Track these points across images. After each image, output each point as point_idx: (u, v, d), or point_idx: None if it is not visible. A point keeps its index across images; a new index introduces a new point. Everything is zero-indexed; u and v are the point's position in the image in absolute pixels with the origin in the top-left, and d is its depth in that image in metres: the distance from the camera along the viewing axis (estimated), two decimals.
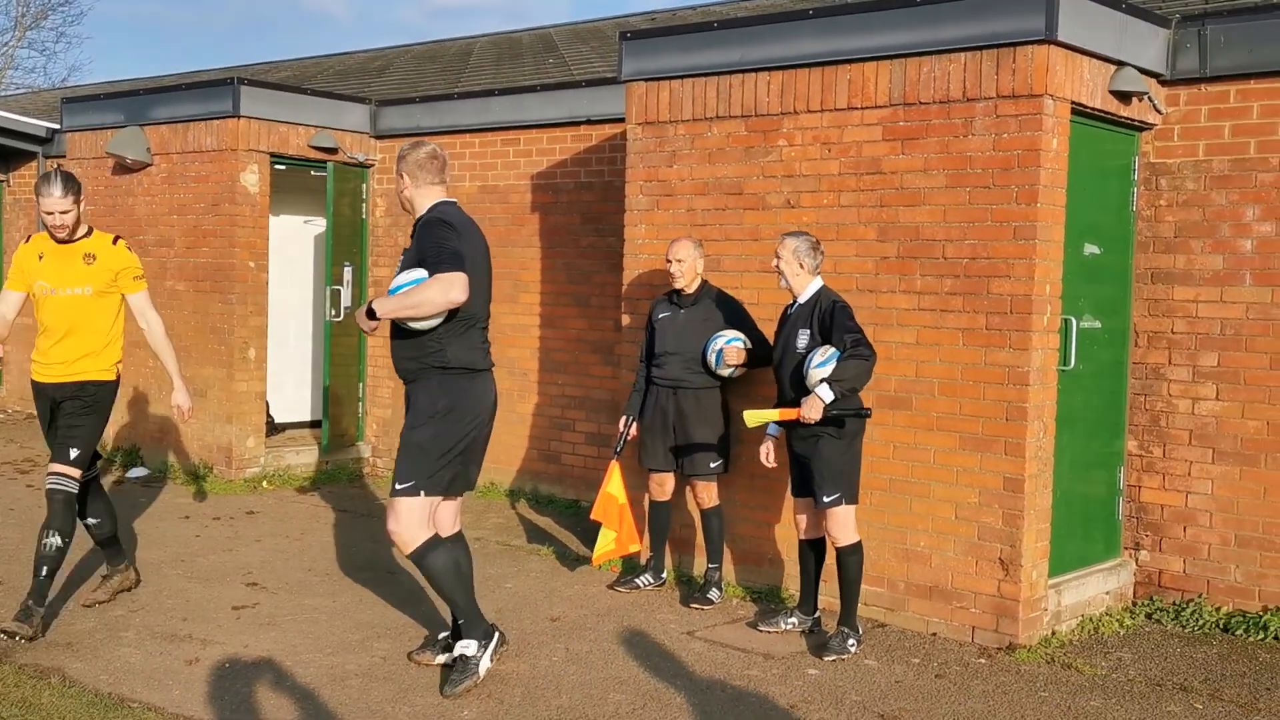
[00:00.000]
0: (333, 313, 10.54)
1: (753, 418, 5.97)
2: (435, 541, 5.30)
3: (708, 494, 6.83)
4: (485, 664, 5.36)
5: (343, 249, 10.58)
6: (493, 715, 5.02)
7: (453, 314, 5.15)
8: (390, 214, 10.68)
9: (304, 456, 10.52)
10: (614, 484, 6.93)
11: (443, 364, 5.22)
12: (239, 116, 9.89)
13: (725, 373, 6.66)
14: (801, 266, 5.97)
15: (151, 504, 9.14)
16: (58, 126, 12.83)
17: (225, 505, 9.18)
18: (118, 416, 10.98)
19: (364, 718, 4.94)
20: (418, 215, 5.37)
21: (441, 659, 5.54)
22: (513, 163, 9.92)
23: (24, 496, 9.24)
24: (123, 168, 10.82)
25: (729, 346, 6.58)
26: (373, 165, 10.79)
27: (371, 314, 5.18)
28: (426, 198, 5.37)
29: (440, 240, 5.11)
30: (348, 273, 10.60)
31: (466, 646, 5.35)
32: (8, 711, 4.79)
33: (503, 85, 10.39)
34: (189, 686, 5.23)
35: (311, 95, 10.51)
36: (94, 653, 5.63)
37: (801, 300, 6.04)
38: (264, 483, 10.02)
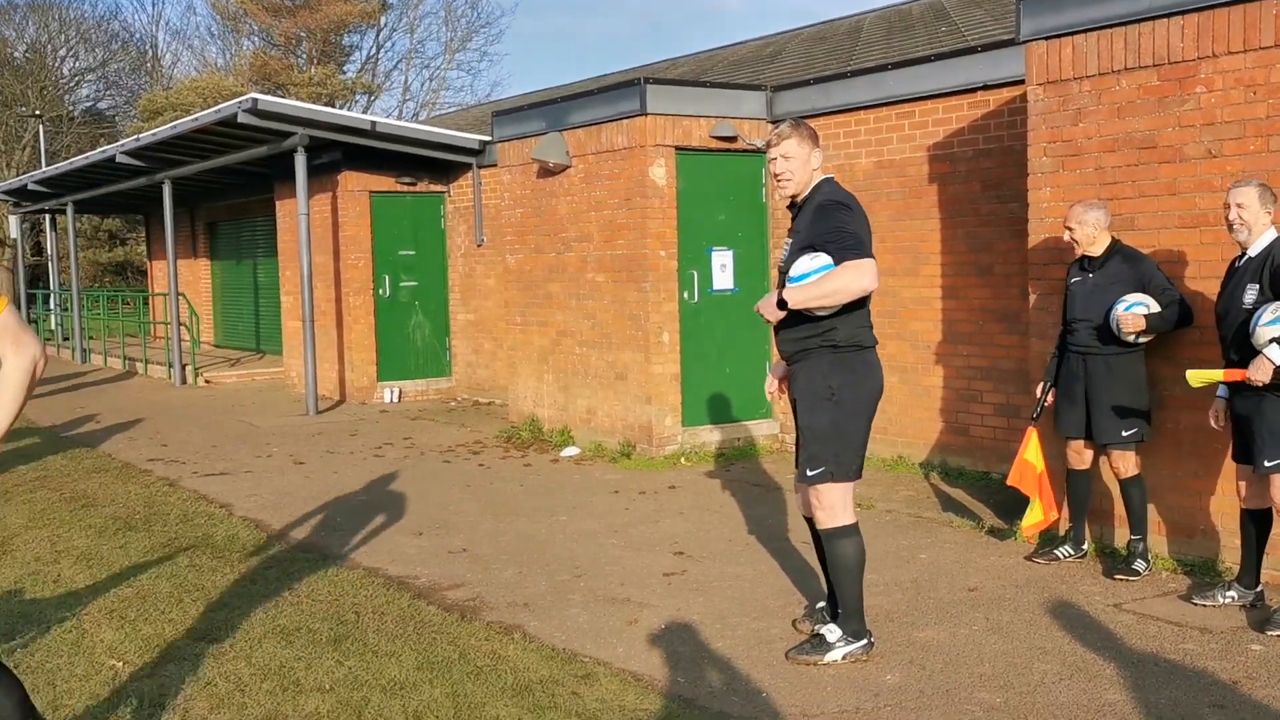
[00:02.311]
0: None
1: (1196, 378, 5.69)
2: (852, 528, 5.28)
3: (1124, 463, 6.58)
4: (836, 656, 5.28)
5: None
6: (915, 680, 5.14)
7: None
8: None
9: (717, 434, 11.03)
10: (1031, 450, 6.84)
11: (834, 343, 5.15)
12: (645, 114, 10.49)
13: (1130, 339, 6.39)
14: (1254, 216, 5.61)
15: (585, 480, 9.94)
16: (488, 138, 14.14)
17: (648, 480, 9.82)
18: (550, 400, 11.98)
19: (790, 680, 5.20)
20: (800, 194, 5.26)
21: (829, 656, 5.34)
22: (908, 135, 9.90)
23: (477, 474, 10.31)
24: (546, 171, 11.77)
25: (1127, 312, 6.31)
26: None
27: (782, 304, 5.06)
28: (813, 176, 5.27)
29: (843, 224, 5.02)
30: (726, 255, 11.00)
31: (830, 631, 5.34)
32: (483, 661, 5.45)
33: (895, 59, 10.37)
34: (631, 644, 5.71)
35: (710, 88, 10.97)
36: (547, 613, 6.26)
37: (1251, 253, 5.68)
38: (682, 459, 10.60)
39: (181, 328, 19.02)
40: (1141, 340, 6.44)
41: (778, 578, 6.81)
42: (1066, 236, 6.62)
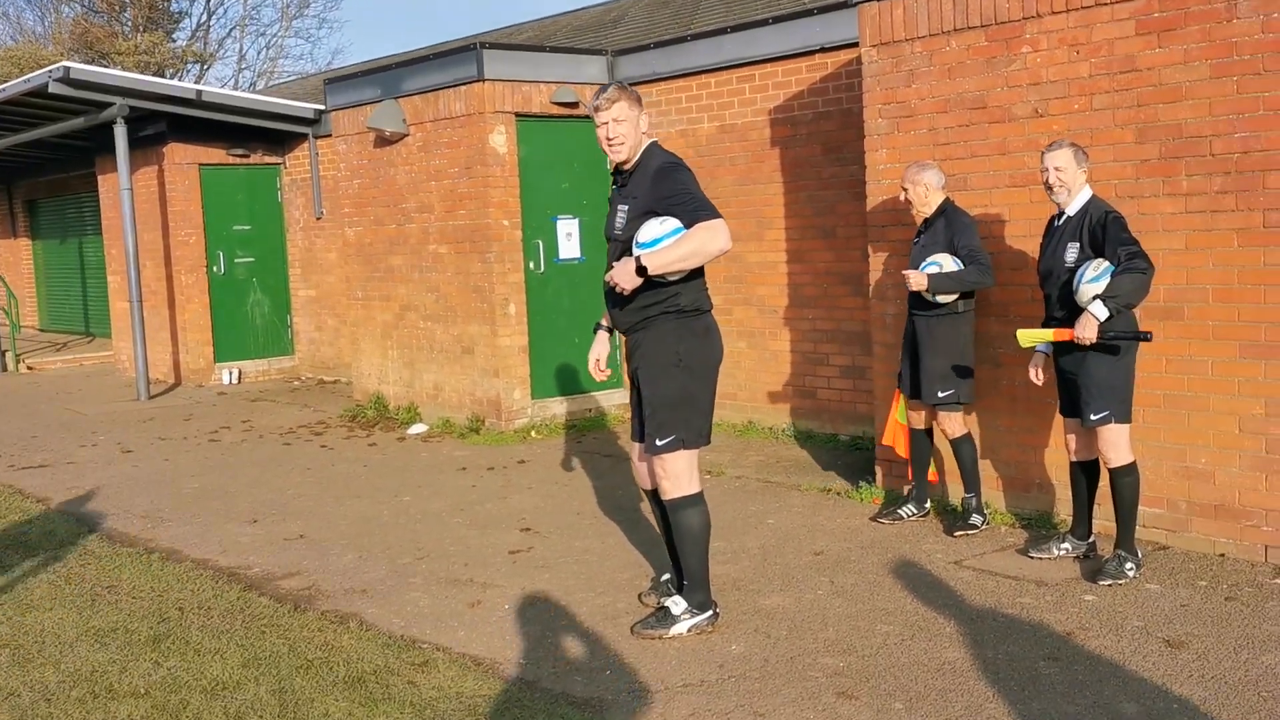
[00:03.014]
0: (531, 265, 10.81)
1: (1026, 338, 5.75)
2: (698, 497, 5.21)
3: (950, 424, 6.65)
4: (681, 629, 5.22)
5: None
6: (760, 649, 5.08)
7: None
8: None
9: (568, 406, 10.88)
10: (901, 411, 6.94)
11: (679, 308, 5.06)
12: (484, 80, 10.22)
13: (929, 298, 6.45)
14: (1072, 177, 5.67)
15: (432, 458, 9.68)
16: (323, 107, 13.63)
17: (497, 456, 9.62)
18: (395, 377, 11.66)
19: (635, 656, 5.10)
20: (630, 159, 5.09)
21: (675, 629, 5.26)
22: (749, 99, 9.85)
23: (319, 456, 9.97)
24: (383, 140, 11.39)
25: (906, 272, 6.38)
26: None
27: (642, 270, 4.86)
28: (642, 140, 5.12)
29: (687, 186, 4.91)
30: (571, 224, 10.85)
31: (675, 603, 5.27)
32: (314, 654, 5.20)
33: (734, 22, 10.29)
34: (473, 627, 5.53)
35: (550, 52, 10.75)
36: (386, 599, 6.03)
37: (1070, 212, 5.75)
38: (533, 432, 10.43)
39: None
40: (943, 300, 6.47)
41: (627, 551, 6.70)
42: (902, 197, 6.64)
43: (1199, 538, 6.00)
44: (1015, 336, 5.80)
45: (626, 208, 5.11)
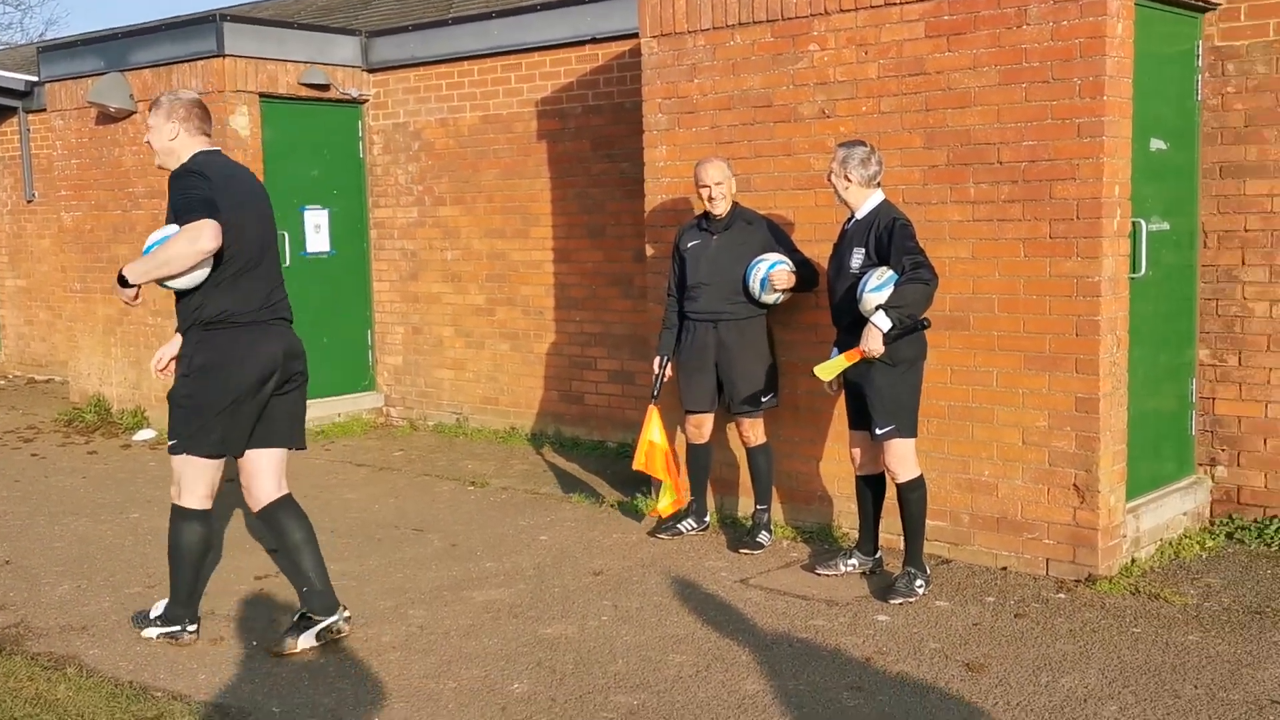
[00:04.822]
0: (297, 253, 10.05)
1: (824, 371, 5.49)
2: (194, 514, 5.05)
3: (755, 431, 6.39)
4: (152, 633, 5.17)
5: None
6: (545, 686, 4.62)
7: (216, 264, 4.80)
8: (388, 151, 10.16)
9: (314, 410, 10.07)
10: (654, 430, 6.49)
11: (203, 319, 4.89)
12: (224, 55, 9.32)
13: (771, 299, 6.19)
14: (849, 179, 5.47)
15: (163, 468, 8.73)
16: (35, 78, 12.27)
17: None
18: (119, 378, 10.56)
19: (407, 696, 4.55)
20: (171, 167, 5.02)
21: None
22: (515, 89, 9.37)
23: (30, 467, 8.84)
24: (106, 117, 10.27)
25: (775, 271, 6.10)
26: (367, 100, 10.23)
27: (123, 281, 4.84)
28: (188, 148, 5.01)
29: (186, 189, 4.79)
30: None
31: (156, 607, 5.24)
32: (21, 710, 4.41)
33: (500, 7, 9.78)
34: (215, 670, 4.84)
35: (298, 29, 9.93)
36: (112, 637, 5.24)
37: (859, 216, 5.55)
38: None
39: None
40: (782, 300, 6.23)
41: (390, 573, 6.11)
42: (705, 194, 6.26)
43: (981, 551, 5.94)
44: (814, 373, 5.55)
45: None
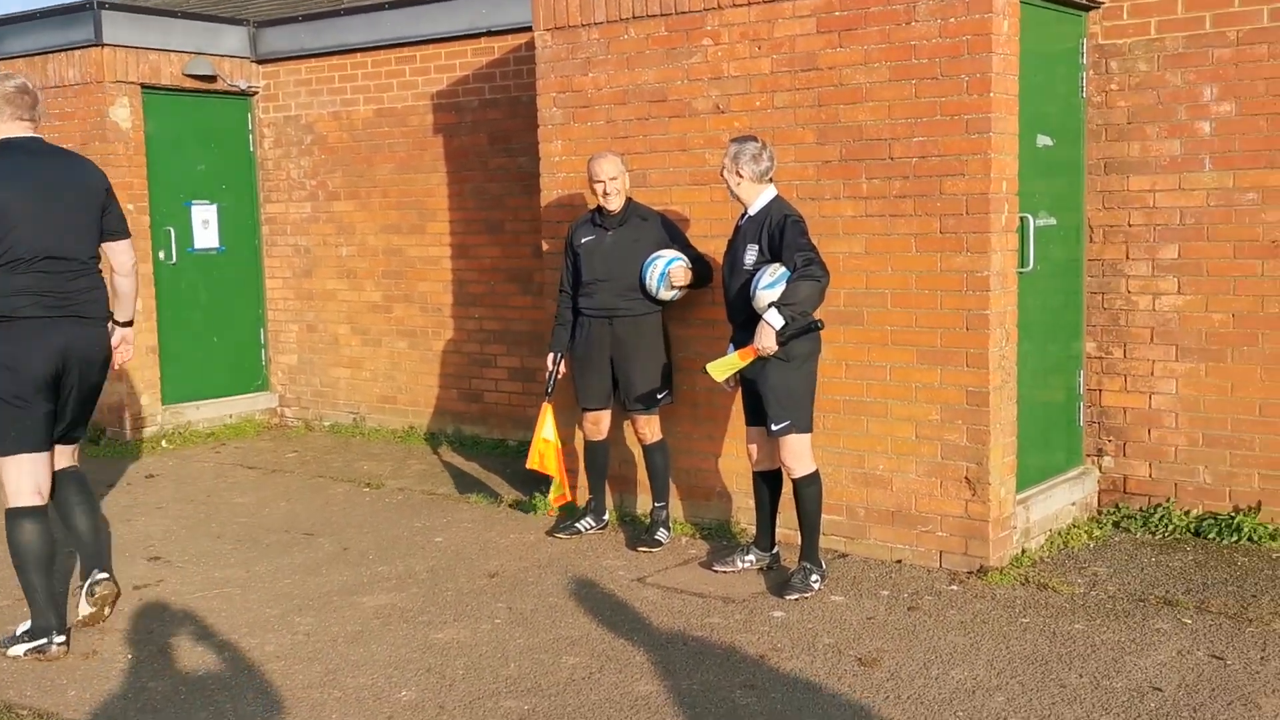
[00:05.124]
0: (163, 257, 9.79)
1: (718, 370, 5.44)
2: (24, 512, 4.93)
3: (650, 428, 6.34)
4: (19, 650, 4.95)
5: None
6: (434, 693, 4.51)
7: None
8: (280, 145, 9.91)
9: (205, 411, 9.81)
10: (548, 428, 6.41)
11: None
12: (102, 45, 9.00)
13: (668, 296, 6.13)
14: (741, 175, 5.44)
15: None
16: None
17: (121, 470, 8.49)
18: None
19: (290, 707, 4.41)
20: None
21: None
22: (410, 82, 9.19)
23: None
24: None
25: (673, 267, 6.05)
26: (256, 93, 9.97)
27: None
28: (4, 133, 4.94)
29: None
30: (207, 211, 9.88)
31: (17, 645, 4.96)
32: None
33: None
34: (87, 685, 4.64)
35: (183, 18, 9.63)
36: None
37: (751, 212, 5.52)
38: (164, 442, 9.32)
39: None
40: (678, 296, 6.18)
41: (277, 579, 5.93)
42: (599, 190, 6.18)
43: (877, 544, 5.96)
44: (706, 371, 5.50)
45: None
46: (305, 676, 4.69)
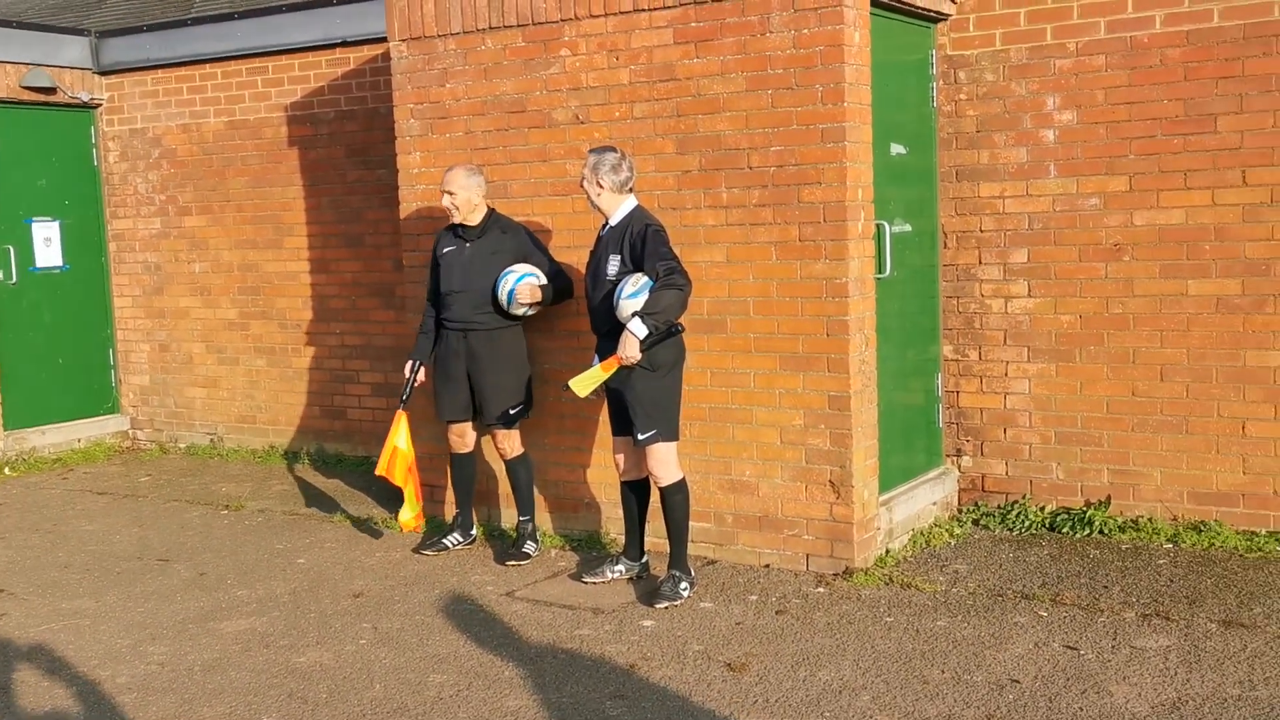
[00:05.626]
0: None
1: (580, 385, 5.42)
2: None
3: (509, 443, 6.28)
4: None
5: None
6: (296, 718, 4.38)
7: None
8: (126, 159, 9.56)
9: (51, 436, 9.40)
10: (400, 436, 6.31)
11: None
12: None
13: (519, 312, 6.09)
14: (601, 185, 5.44)
15: None
16: None
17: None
18: None
19: None
20: None
21: None
22: (263, 93, 8.97)
23: None
24: None
25: (521, 284, 6.00)
26: (100, 105, 9.61)
27: None
28: None
29: None
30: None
31: None
32: None
33: (244, 7, 9.35)
34: None
35: (20, 28, 9.23)
36: None
37: (613, 222, 5.51)
38: (5, 469, 8.88)
39: None
40: (532, 312, 6.14)
41: (129, 609, 5.69)
42: (446, 202, 6.12)
43: (745, 550, 6.00)
44: (569, 387, 5.48)
45: None
46: (159, 708, 4.51)
